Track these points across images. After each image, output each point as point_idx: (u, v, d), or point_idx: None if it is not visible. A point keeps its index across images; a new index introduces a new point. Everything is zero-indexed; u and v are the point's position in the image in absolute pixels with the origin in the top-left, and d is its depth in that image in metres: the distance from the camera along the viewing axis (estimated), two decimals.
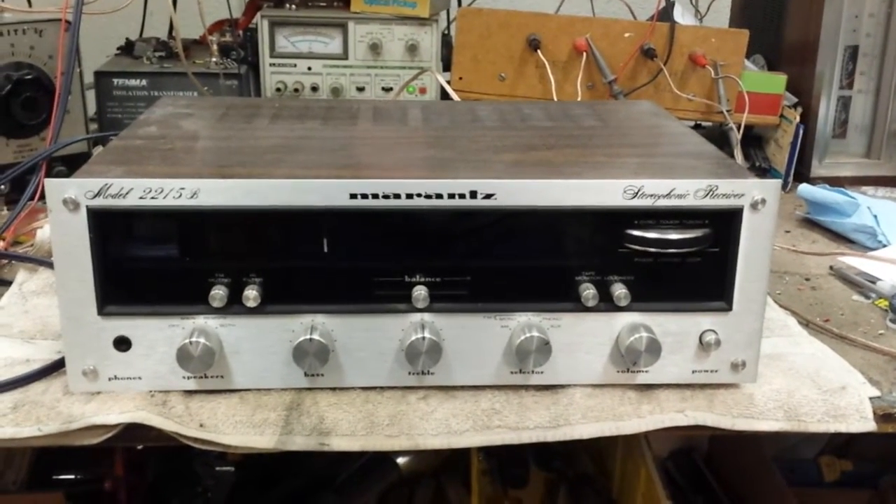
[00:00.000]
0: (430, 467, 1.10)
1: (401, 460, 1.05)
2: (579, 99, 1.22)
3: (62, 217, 0.64)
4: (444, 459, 1.10)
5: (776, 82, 1.27)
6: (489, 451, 1.11)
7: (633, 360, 0.69)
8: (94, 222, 0.64)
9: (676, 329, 0.70)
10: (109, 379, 0.69)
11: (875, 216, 1.05)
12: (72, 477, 1.09)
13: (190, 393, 0.69)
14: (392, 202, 0.66)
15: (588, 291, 0.68)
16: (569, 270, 0.69)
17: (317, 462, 1.05)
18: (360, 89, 1.28)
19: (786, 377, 0.73)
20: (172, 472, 1.11)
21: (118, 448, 1.04)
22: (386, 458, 1.04)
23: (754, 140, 1.33)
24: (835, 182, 1.20)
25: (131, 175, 0.66)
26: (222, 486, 1.06)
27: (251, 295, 0.67)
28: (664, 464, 1.23)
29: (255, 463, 1.07)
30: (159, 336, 0.68)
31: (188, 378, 0.69)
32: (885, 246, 1.03)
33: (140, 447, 1.06)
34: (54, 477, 1.09)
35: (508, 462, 1.16)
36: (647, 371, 0.71)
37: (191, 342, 0.66)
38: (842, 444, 1.24)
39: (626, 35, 1.24)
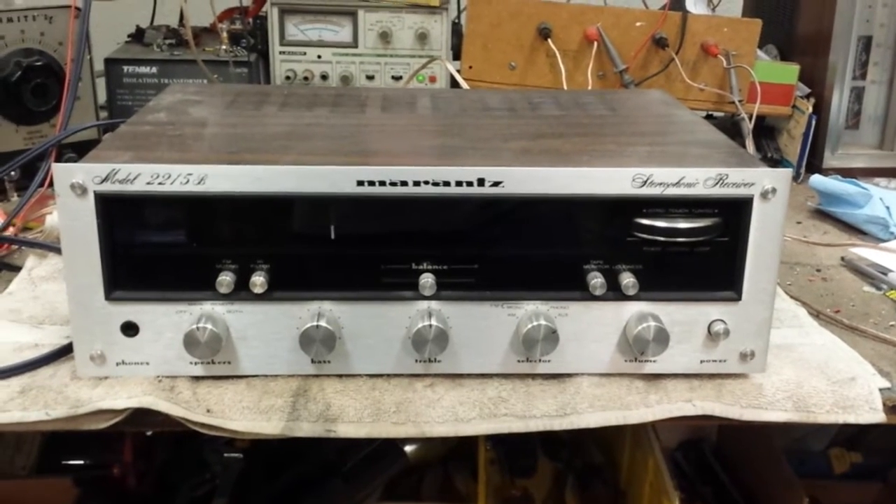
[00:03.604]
0: (437, 456, 1.10)
1: (408, 448, 1.05)
2: (590, 88, 1.21)
3: (70, 202, 0.64)
4: (451, 448, 1.10)
5: (789, 72, 1.26)
6: (497, 440, 1.11)
7: (641, 349, 0.69)
8: (101, 207, 0.64)
9: (685, 318, 0.70)
10: (117, 364, 0.69)
11: (887, 207, 1.04)
12: (81, 462, 1.09)
13: (197, 378, 0.70)
14: (399, 189, 0.65)
15: (596, 280, 0.68)
16: (577, 259, 0.69)
17: (325, 449, 1.05)
18: (370, 77, 1.28)
19: (795, 367, 0.73)
20: (180, 459, 1.11)
21: (127, 434, 1.05)
22: (394, 445, 1.04)
23: (766, 131, 1.32)
24: (847, 173, 1.19)
25: (139, 160, 0.66)
26: (230, 472, 1.07)
27: (258, 281, 0.67)
28: (673, 454, 1.23)
29: (263, 449, 1.08)
30: (167, 322, 0.68)
31: (195, 364, 0.69)
32: None
33: (149, 433, 1.07)
34: (63, 462, 1.09)
35: (516, 451, 1.16)
36: (654, 360, 0.71)
37: (198, 328, 0.66)
38: (852, 436, 1.23)
39: (638, 24, 1.23)
